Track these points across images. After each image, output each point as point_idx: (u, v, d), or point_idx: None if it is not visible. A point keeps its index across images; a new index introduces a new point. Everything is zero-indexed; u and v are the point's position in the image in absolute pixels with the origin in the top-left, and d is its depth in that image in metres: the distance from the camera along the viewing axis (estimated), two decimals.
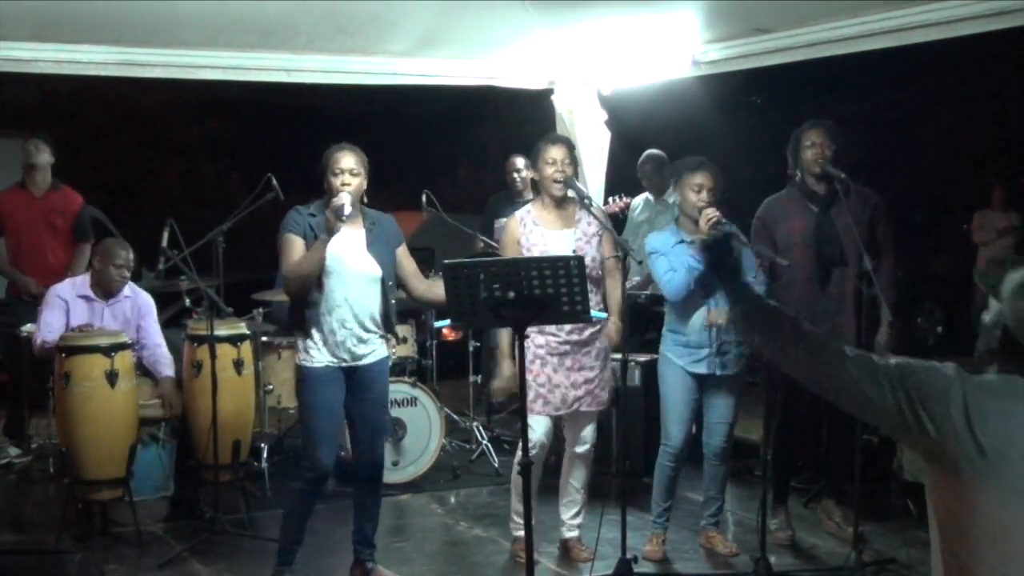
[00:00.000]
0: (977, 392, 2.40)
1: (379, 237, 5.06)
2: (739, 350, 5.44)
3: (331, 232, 4.81)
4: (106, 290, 6.32)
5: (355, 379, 5.03)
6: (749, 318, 2.80)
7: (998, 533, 2.38)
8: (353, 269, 4.95)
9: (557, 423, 5.52)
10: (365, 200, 5.10)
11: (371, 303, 5.03)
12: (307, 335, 4.95)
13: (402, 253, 5.19)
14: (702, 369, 5.42)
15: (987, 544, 2.39)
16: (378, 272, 5.02)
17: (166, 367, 6.25)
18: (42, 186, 7.44)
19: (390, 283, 5.09)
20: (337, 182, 4.91)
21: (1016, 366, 2.47)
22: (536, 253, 5.27)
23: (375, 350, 5.08)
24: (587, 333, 5.33)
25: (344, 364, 4.98)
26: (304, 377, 5.00)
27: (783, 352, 2.65)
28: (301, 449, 5.18)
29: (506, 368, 5.43)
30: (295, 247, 4.92)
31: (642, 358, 6.65)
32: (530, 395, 5.26)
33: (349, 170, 4.93)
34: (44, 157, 7.42)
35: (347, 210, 4.79)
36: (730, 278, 2.87)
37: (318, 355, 4.95)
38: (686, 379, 5.44)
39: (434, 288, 5.23)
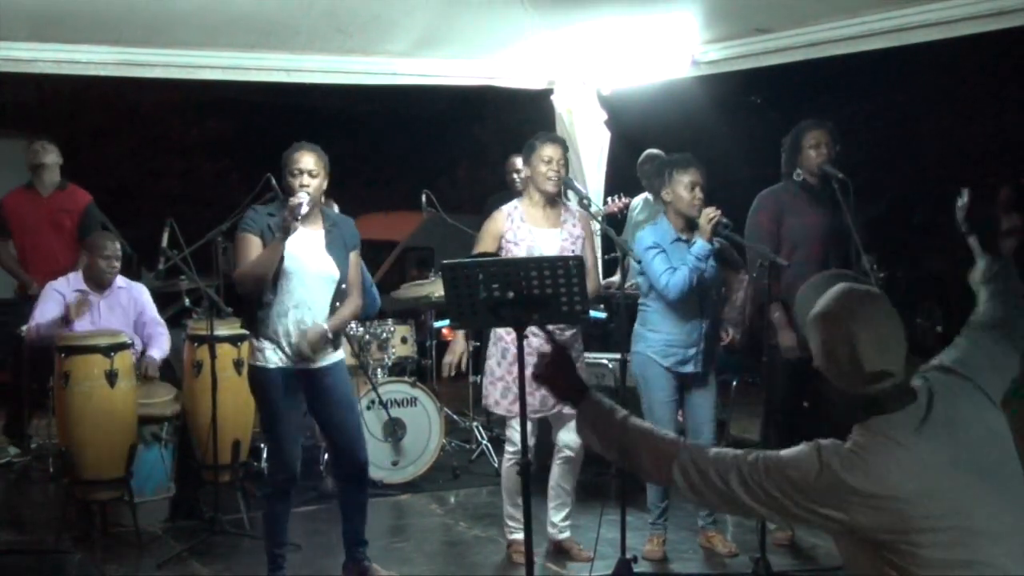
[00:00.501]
0: (851, 460, 2.41)
1: (337, 239, 5.01)
2: (714, 346, 5.48)
3: (287, 232, 4.76)
4: (99, 282, 6.35)
5: (315, 384, 4.97)
6: (601, 432, 2.76)
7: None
8: (311, 270, 4.91)
9: (544, 425, 5.51)
10: (323, 201, 5.08)
11: (326, 305, 4.98)
12: (259, 336, 4.91)
13: (354, 258, 5.12)
14: (689, 368, 5.41)
15: None
16: (335, 273, 4.98)
17: (155, 348, 6.31)
18: (49, 186, 7.43)
19: (343, 286, 5.04)
20: (296, 183, 4.87)
21: (853, 409, 2.51)
22: (523, 249, 5.27)
23: (328, 351, 5.01)
24: (568, 334, 5.32)
25: (298, 367, 4.93)
26: (258, 379, 4.94)
27: (666, 474, 2.62)
28: (266, 453, 5.11)
29: (458, 345, 5.53)
30: (251, 246, 4.87)
31: None
32: (509, 397, 5.26)
33: (308, 171, 4.88)
34: (52, 157, 7.42)
35: (303, 209, 4.76)
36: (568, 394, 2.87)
37: (272, 356, 4.90)
38: (670, 379, 5.43)
39: (342, 310, 5.05)
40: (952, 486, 2.36)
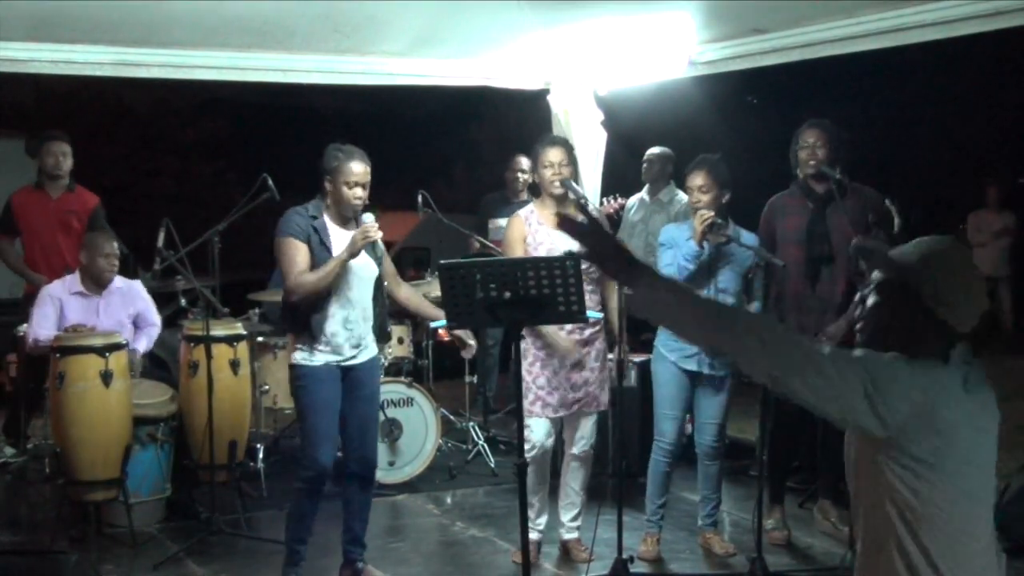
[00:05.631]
0: (922, 376, 2.44)
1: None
2: None
3: (354, 255, 4.84)
4: (98, 282, 6.35)
5: (349, 377, 5.04)
6: (656, 307, 2.53)
7: (957, 520, 2.44)
8: (357, 271, 4.97)
9: (557, 424, 5.52)
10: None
11: (368, 303, 5.06)
12: (312, 337, 4.94)
13: (382, 251, 5.21)
14: (692, 366, 5.42)
15: (946, 530, 2.44)
16: (376, 271, 5.06)
17: (139, 341, 6.39)
18: (59, 188, 7.42)
19: (385, 283, 5.11)
20: (350, 194, 4.90)
21: (931, 346, 2.50)
22: (543, 251, 5.30)
23: (368, 348, 5.10)
24: (587, 333, 5.34)
25: (341, 363, 4.99)
26: (302, 377, 4.99)
27: (733, 344, 2.48)
28: (300, 449, 5.16)
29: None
30: (300, 252, 4.89)
31: (638, 358, 6.65)
32: (529, 397, 5.26)
33: (363, 183, 4.93)
34: (68, 162, 7.38)
35: (379, 244, 4.88)
36: (617, 267, 2.53)
37: (319, 355, 4.95)
38: (678, 375, 5.44)
39: (414, 299, 5.29)
40: (975, 450, 2.46)
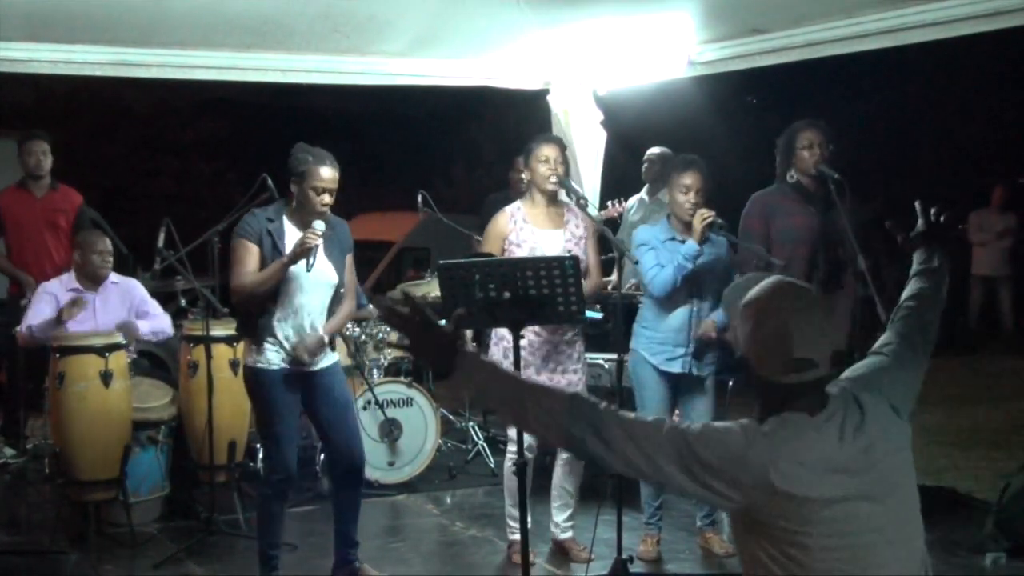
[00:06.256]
0: (765, 445, 2.38)
1: (335, 243, 4.97)
2: (715, 351, 5.44)
3: (294, 261, 4.74)
4: (93, 279, 6.34)
5: (312, 385, 4.97)
6: (492, 397, 2.56)
7: (826, 564, 2.39)
8: (313, 276, 4.87)
9: None
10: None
11: (325, 309, 4.98)
12: (260, 341, 4.87)
13: (348, 262, 5.09)
14: (676, 368, 5.39)
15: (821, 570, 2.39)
16: (335, 279, 4.97)
17: (144, 322, 6.35)
18: (44, 187, 7.43)
19: (342, 291, 5.04)
20: (317, 200, 4.79)
21: (773, 399, 2.46)
22: (525, 251, 5.27)
23: (328, 354, 5.02)
24: (569, 334, 5.32)
25: (297, 369, 4.91)
26: (258, 380, 4.91)
27: (562, 429, 2.46)
28: (264, 454, 5.12)
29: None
30: (249, 254, 4.81)
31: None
32: None
33: (330, 190, 4.82)
34: (50, 160, 7.41)
35: (313, 259, 4.75)
36: (436, 356, 2.54)
37: (274, 357, 4.88)
38: (659, 379, 5.41)
39: (336, 316, 5.06)
40: (856, 502, 2.39)
